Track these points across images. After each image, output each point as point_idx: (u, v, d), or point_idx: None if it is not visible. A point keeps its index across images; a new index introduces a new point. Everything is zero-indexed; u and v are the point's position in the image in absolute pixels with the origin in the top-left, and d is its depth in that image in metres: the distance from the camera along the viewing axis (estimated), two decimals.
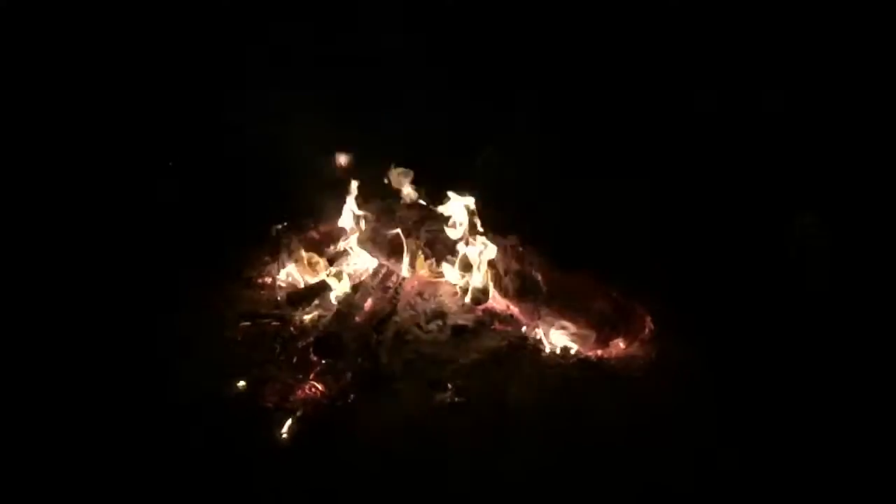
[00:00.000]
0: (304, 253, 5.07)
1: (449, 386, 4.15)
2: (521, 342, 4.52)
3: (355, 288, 4.71)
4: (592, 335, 4.50)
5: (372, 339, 4.41)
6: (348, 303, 4.62)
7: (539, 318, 4.55)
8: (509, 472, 3.69)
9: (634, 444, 3.82)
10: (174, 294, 4.96)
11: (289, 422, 3.91)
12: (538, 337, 4.51)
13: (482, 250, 4.62)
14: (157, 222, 5.65)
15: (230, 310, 4.93)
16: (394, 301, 4.63)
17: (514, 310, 4.68)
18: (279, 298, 5.01)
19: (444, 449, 3.81)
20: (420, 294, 4.77)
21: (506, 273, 4.59)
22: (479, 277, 4.58)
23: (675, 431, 3.91)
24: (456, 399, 4.11)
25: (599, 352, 4.52)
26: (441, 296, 4.77)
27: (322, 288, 4.89)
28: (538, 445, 3.82)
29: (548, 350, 4.47)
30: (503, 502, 3.59)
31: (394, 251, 4.83)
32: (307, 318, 4.73)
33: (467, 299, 4.67)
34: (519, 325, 4.62)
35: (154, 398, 4.09)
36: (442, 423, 3.98)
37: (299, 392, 4.10)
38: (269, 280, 5.26)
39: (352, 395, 4.10)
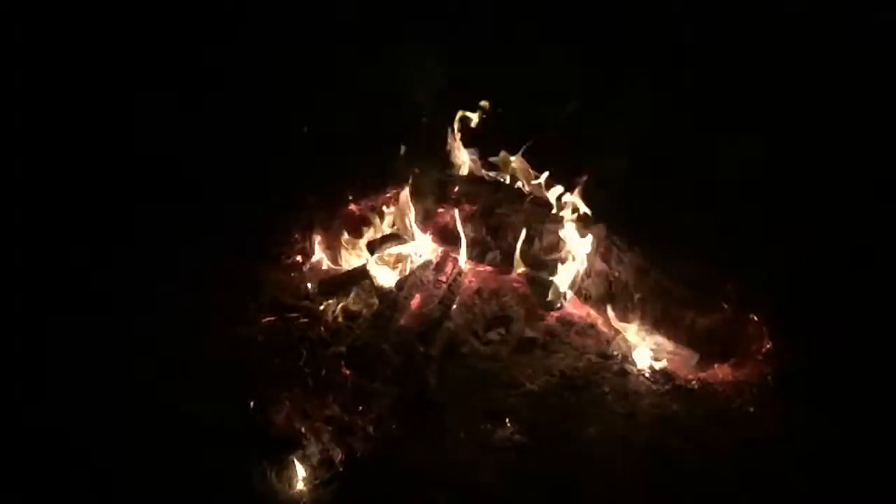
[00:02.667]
0: (343, 232, 4.34)
1: (508, 422, 3.41)
2: (603, 361, 3.79)
3: (401, 281, 3.97)
4: (695, 356, 3.73)
5: (418, 353, 3.70)
6: (391, 301, 3.91)
7: (627, 331, 3.76)
8: None
9: None
10: (176, 273, 4.29)
11: (302, 468, 3.24)
12: (625, 355, 3.73)
13: (575, 240, 3.83)
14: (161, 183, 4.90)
15: (249, 296, 4.23)
16: (447, 301, 3.90)
17: (596, 319, 3.91)
18: (309, 286, 4.31)
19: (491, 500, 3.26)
20: (478, 292, 4.03)
21: (588, 273, 3.80)
22: (568, 276, 3.80)
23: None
24: (517, 438, 3.40)
25: (701, 375, 3.72)
26: (505, 296, 4.02)
27: (360, 276, 4.19)
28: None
29: (637, 372, 3.69)
30: None
31: (449, 236, 4.06)
32: (340, 314, 4.03)
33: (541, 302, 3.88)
34: (601, 339, 3.90)
35: (134, 420, 3.52)
36: (499, 472, 3.38)
37: (319, 423, 3.43)
38: (300, 260, 4.55)
39: (391, 426, 3.42)
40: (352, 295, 4.22)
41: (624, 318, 3.86)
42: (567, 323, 3.97)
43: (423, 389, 3.63)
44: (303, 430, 3.47)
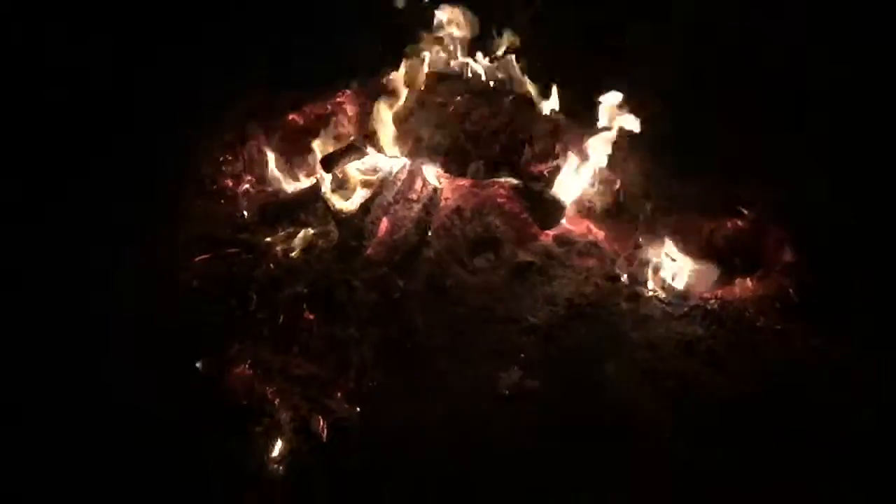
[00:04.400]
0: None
1: (516, 366, 2.97)
2: (611, 285, 3.38)
3: (365, 203, 3.40)
4: (715, 271, 3.34)
5: (396, 288, 3.17)
6: (355, 228, 3.34)
7: (638, 248, 3.33)
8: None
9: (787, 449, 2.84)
10: (96, 215, 3.64)
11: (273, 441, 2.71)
12: (636, 276, 3.31)
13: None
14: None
15: (178, 232, 3.59)
16: (423, 224, 3.36)
17: (599, 236, 3.46)
18: (246, 214, 3.68)
19: (510, 462, 2.84)
20: (458, 212, 3.50)
21: (592, 182, 3.33)
22: (567, 187, 3.33)
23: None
24: (528, 382, 2.96)
25: (721, 293, 3.35)
26: (489, 214, 3.50)
27: (310, 198, 3.59)
28: (647, 453, 2.87)
29: (650, 294, 3.30)
30: None
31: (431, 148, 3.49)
32: (294, 248, 3.44)
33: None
34: (606, 259, 3.49)
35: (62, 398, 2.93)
36: (507, 424, 2.97)
37: (286, 382, 2.89)
38: (231, 185, 3.89)
39: (372, 383, 2.91)
40: (302, 223, 3.62)
41: (632, 232, 3.41)
42: (566, 242, 3.52)
43: (409, 331, 3.12)
44: (267, 392, 2.91)
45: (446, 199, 3.64)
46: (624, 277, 3.40)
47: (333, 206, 3.58)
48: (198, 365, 3.01)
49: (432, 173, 3.59)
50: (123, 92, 4.09)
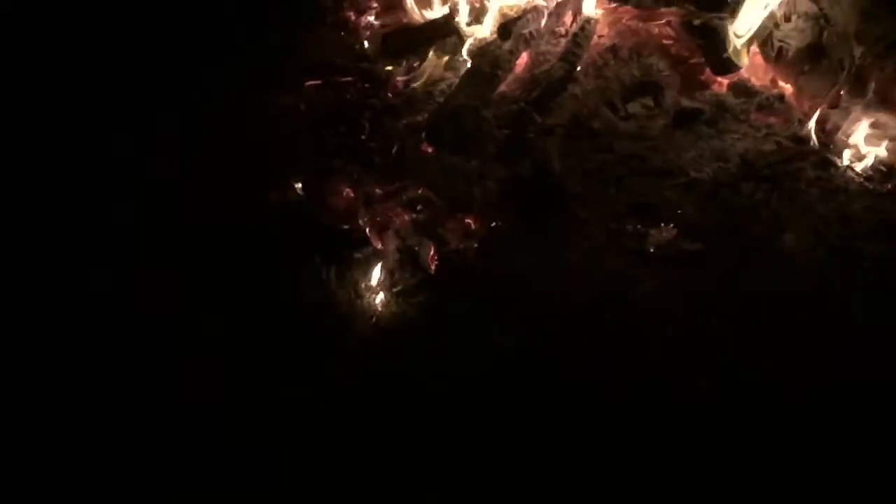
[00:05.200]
0: None
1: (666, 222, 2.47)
2: (797, 147, 2.76)
3: (503, 30, 2.91)
4: None
5: (533, 123, 2.69)
6: (491, 57, 2.87)
7: (836, 107, 2.69)
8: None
9: None
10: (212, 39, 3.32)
11: (377, 271, 2.28)
12: (831, 141, 2.68)
13: None
14: None
15: (289, 60, 3.20)
16: (571, 57, 2.84)
17: (787, 89, 2.84)
18: (367, 45, 3.28)
19: (655, 331, 2.36)
20: (613, 51, 2.96)
21: (787, 16, 2.71)
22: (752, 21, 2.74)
23: None
24: (681, 244, 2.44)
25: None
26: (650, 56, 2.95)
27: (443, 29, 3.13)
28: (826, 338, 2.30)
29: (845, 165, 2.65)
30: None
31: None
32: (418, 80, 3.01)
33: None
34: (794, 116, 2.83)
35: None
36: (656, 288, 2.46)
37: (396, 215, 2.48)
38: (353, 17, 3.49)
39: (494, 223, 2.45)
40: (430, 56, 3.17)
41: (832, 86, 2.77)
42: (744, 93, 2.93)
43: (543, 172, 2.63)
44: (372, 217, 2.51)
45: (600, 36, 3.11)
46: (814, 141, 2.79)
47: (467, 35, 3.12)
48: (298, 185, 2.64)
49: (588, 1, 3.05)
50: None
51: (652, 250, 2.50)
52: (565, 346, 2.28)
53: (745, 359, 2.27)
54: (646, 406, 2.17)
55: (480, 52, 3.01)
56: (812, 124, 2.81)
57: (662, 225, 2.55)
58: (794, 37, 2.80)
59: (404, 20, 3.41)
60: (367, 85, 3.15)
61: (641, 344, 2.30)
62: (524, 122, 2.77)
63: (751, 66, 2.93)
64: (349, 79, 3.19)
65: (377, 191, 2.60)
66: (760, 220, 2.59)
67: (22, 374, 2.36)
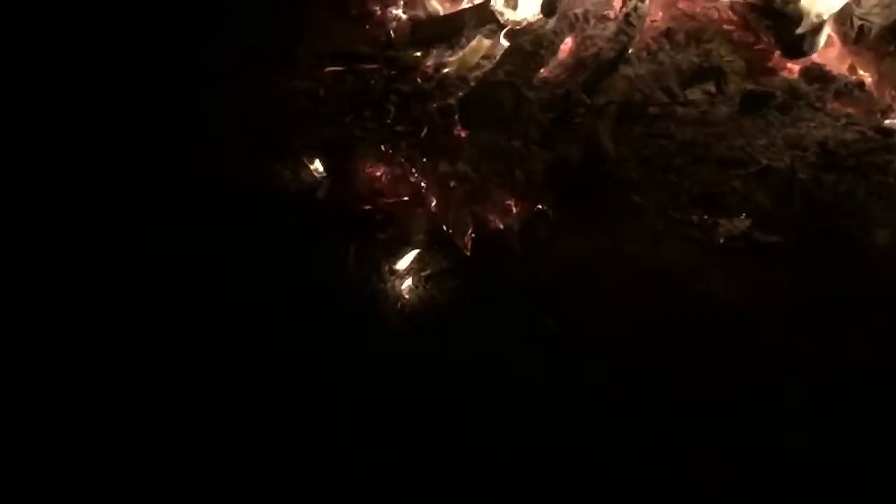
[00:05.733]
0: None
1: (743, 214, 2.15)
2: (883, 139, 2.41)
3: (548, 7, 2.65)
4: None
5: (579, 107, 2.39)
6: (533, 36, 2.60)
7: None
8: None
9: None
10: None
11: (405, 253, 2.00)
12: None
13: None
14: None
15: (304, 48, 3.01)
16: (622, 39, 2.57)
17: (867, 77, 2.54)
18: (393, 35, 3.03)
19: (729, 326, 2.02)
20: (668, 35, 2.68)
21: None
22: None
23: None
24: (757, 236, 2.11)
25: None
26: (710, 41, 2.66)
27: (477, 17, 2.87)
28: None
29: None
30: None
31: None
32: (451, 66, 2.74)
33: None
34: (877, 107, 2.49)
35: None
36: (723, 279, 2.14)
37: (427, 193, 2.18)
38: (378, 11, 3.24)
39: (540, 207, 2.15)
40: (465, 43, 2.90)
41: None
42: (819, 79, 2.61)
43: (595, 155, 2.31)
44: (398, 197, 2.19)
45: (653, 20, 2.83)
46: None
47: (506, 20, 2.85)
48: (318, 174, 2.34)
49: None
50: None
51: (721, 241, 2.17)
52: (622, 343, 1.93)
53: (835, 364, 1.93)
54: (719, 410, 1.82)
55: (521, 32, 2.73)
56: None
57: (733, 216, 2.23)
58: (877, 13, 2.49)
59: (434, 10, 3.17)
60: (393, 72, 2.86)
61: (711, 345, 1.96)
62: (571, 104, 2.47)
63: (826, 49, 2.64)
64: (373, 66, 2.92)
65: (403, 170, 2.30)
66: (846, 214, 2.25)
67: None
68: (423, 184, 2.23)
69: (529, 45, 2.62)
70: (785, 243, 2.16)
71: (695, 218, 2.24)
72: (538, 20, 2.77)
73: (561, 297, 1.99)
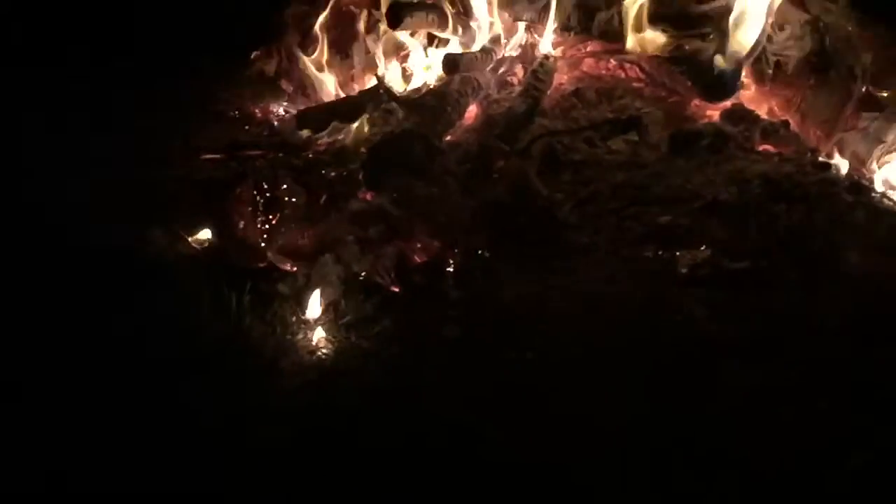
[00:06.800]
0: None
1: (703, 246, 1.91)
2: (821, 173, 2.31)
3: (449, 63, 2.48)
4: None
5: (497, 156, 2.16)
6: (437, 93, 2.42)
7: (853, 129, 2.31)
8: None
9: None
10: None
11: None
12: (856, 168, 2.28)
13: None
14: None
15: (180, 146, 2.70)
16: (532, 94, 2.42)
17: (791, 116, 2.46)
18: (276, 126, 2.79)
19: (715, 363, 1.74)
20: (578, 94, 2.54)
21: (780, 26, 2.39)
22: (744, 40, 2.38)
23: None
24: (723, 263, 1.88)
25: None
26: (621, 96, 2.53)
27: (370, 97, 2.66)
28: None
29: (880, 195, 2.26)
30: None
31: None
32: (347, 138, 2.50)
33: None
34: (803, 144, 2.40)
35: None
36: (700, 310, 1.88)
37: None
38: (258, 112, 3.02)
39: (482, 251, 1.86)
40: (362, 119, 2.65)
41: (840, 103, 2.38)
42: (742, 119, 2.47)
43: (526, 195, 2.03)
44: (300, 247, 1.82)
45: (560, 83, 2.68)
46: (838, 167, 2.34)
47: (398, 93, 2.63)
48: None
49: (545, 41, 2.63)
50: None
51: (684, 271, 1.89)
52: (595, 383, 1.57)
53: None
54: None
55: (423, 95, 2.51)
56: (830, 150, 2.40)
57: (692, 248, 1.97)
58: (792, 46, 2.44)
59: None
60: (280, 154, 2.57)
61: (694, 370, 1.63)
62: (488, 154, 2.22)
63: (742, 92, 2.54)
64: (257, 152, 2.61)
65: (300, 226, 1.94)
66: (811, 239, 2.05)
67: None
68: (326, 236, 1.87)
69: (434, 100, 2.40)
70: (754, 269, 1.92)
71: (649, 254, 1.98)
72: (439, 83, 2.58)
73: (518, 337, 1.62)
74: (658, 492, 1.43)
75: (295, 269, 1.81)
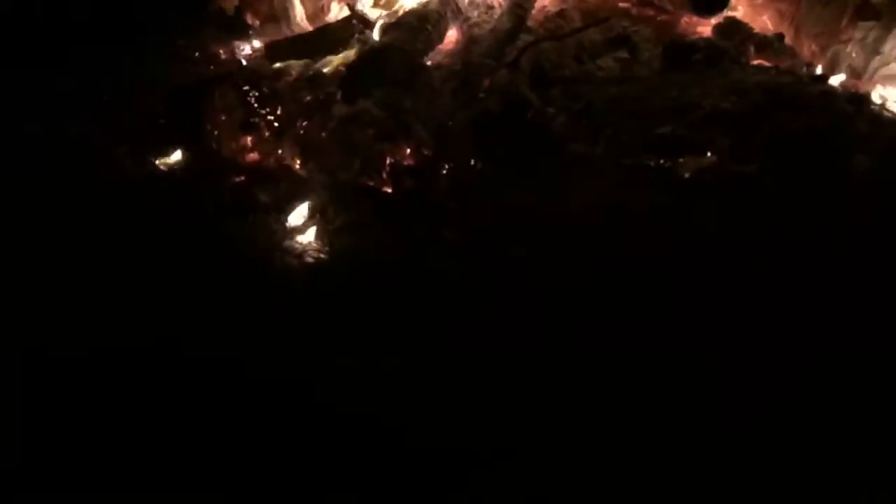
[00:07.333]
0: None
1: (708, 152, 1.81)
2: (819, 85, 2.22)
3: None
4: None
5: (483, 72, 2.04)
6: (417, 13, 2.28)
7: (849, 40, 2.25)
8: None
9: None
10: None
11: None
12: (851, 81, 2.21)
13: None
14: None
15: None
16: (517, 11, 2.31)
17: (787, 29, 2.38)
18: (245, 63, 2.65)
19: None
20: (563, 16, 2.44)
21: None
22: None
23: None
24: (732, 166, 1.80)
25: None
26: (607, 18, 2.44)
27: (342, 31, 2.53)
28: None
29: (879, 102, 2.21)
30: None
31: None
32: (326, 67, 2.37)
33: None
34: (798, 57, 2.31)
35: None
36: (707, 215, 1.81)
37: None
38: (222, 51, 2.88)
39: (474, 161, 1.74)
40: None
41: (841, 16, 2.30)
42: (736, 33, 2.39)
43: (518, 105, 1.92)
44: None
45: (543, 5, 2.56)
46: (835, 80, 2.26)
47: (371, 19, 2.50)
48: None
49: None
50: None
51: (687, 176, 1.80)
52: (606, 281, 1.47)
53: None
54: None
55: (403, 14, 2.38)
56: (825, 64, 2.32)
57: (695, 153, 1.88)
58: None
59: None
60: (247, 87, 2.41)
61: (703, 275, 1.54)
62: (475, 70, 2.10)
63: (735, 4, 2.45)
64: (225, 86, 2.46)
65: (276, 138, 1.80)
66: (816, 144, 1.97)
67: None
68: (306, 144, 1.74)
69: (415, 20, 2.27)
70: (762, 173, 1.83)
71: (651, 163, 1.87)
72: (417, 5, 2.44)
73: (514, 244, 1.51)
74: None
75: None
